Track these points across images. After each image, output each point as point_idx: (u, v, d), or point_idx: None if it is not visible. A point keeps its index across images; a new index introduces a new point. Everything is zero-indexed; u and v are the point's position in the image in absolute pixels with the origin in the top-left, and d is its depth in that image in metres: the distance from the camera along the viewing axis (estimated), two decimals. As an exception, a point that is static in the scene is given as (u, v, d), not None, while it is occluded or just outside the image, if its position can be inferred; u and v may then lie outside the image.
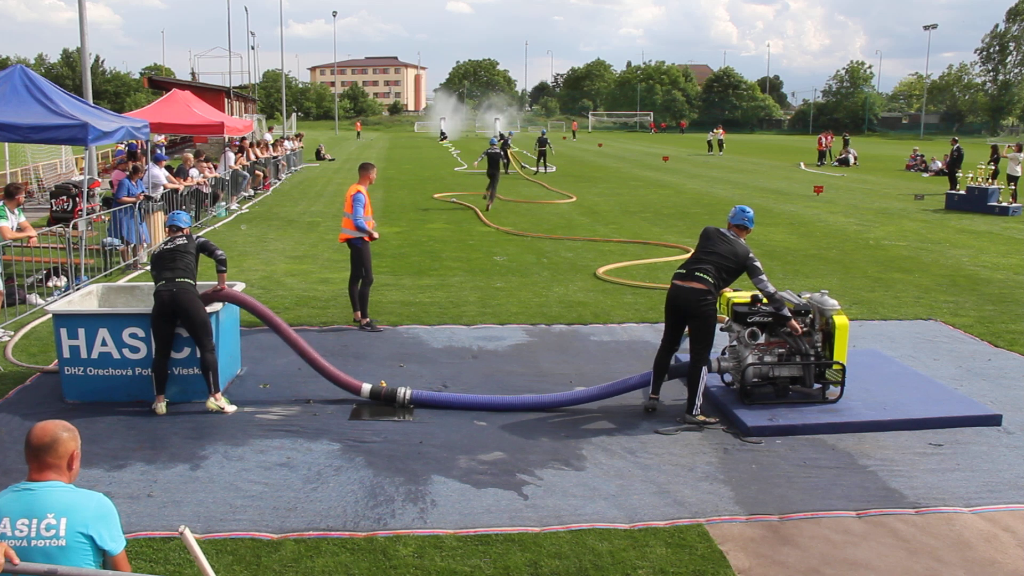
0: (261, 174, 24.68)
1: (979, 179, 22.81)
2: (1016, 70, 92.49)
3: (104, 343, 6.87)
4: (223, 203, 19.66)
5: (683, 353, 7.26)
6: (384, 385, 7.06)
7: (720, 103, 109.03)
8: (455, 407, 6.86)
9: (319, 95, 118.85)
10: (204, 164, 18.90)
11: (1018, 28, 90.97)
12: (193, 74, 70.42)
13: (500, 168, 22.95)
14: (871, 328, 9.59)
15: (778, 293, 6.82)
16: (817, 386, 6.95)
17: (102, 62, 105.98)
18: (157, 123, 18.75)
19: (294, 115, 70.55)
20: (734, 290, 7.29)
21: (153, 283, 6.87)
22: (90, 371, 6.90)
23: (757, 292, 6.82)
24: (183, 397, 6.93)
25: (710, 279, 6.56)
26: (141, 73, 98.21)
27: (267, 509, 5.13)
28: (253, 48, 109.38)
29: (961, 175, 24.85)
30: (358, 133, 75.56)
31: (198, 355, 6.71)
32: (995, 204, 21.00)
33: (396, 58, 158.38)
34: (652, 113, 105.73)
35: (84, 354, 6.86)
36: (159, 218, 13.58)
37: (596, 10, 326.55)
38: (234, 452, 5.98)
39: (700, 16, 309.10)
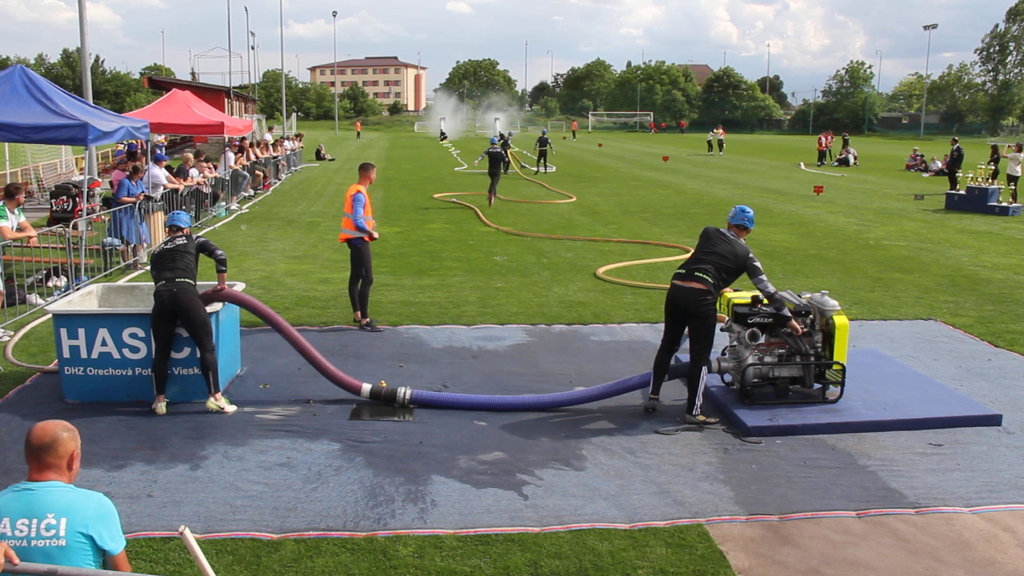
0: (261, 174, 24.68)
1: (979, 179, 22.81)
2: (1016, 70, 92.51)
3: (104, 343, 6.87)
4: (223, 203, 19.66)
5: (683, 353, 7.26)
6: (384, 385, 7.06)
7: (720, 103, 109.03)
8: (455, 407, 6.86)
9: (319, 95, 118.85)
10: (204, 164, 18.90)
11: (1018, 28, 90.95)
12: (193, 74, 70.50)
13: (501, 167, 22.98)
14: (871, 328, 9.59)
15: (778, 293, 6.82)
16: (817, 386, 6.94)
17: (102, 62, 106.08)
18: (157, 123, 18.76)
19: (294, 115, 70.56)
20: (734, 290, 7.29)
21: (153, 283, 6.87)
22: (90, 371, 6.90)
23: (757, 293, 6.82)
24: (183, 397, 6.93)
25: (710, 279, 6.56)
26: (141, 73, 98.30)
27: (267, 509, 5.13)
28: (253, 48, 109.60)
29: (961, 175, 24.86)
30: (358, 133, 75.56)
31: (198, 355, 6.71)
32: (995, 204, 21.00)
33: (396, 58, 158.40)
34: (652, 113, 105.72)
35: (84, 354, 6.86)
36: (159, 218, 13.58)
37: (596, 10, 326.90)
38: (234, 452, 5.98)
39: (700, 16, 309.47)
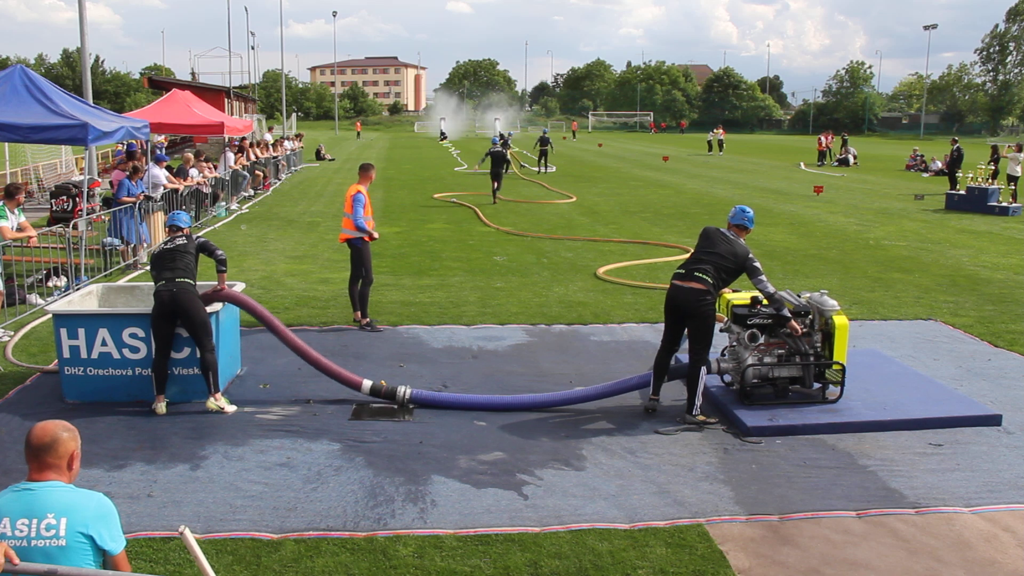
0: (261, 174, 24.69)
1: (979, 179, 22.81)
2: (1016, 70, 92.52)
3: (104, 343, 6.87)
4: (223, 203, 19.66)
5: (683, 354, 7.26)
6: (384, 385, 7.05)
7: (720, 103, 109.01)
8: (455, 407, 6.86)
9: (319, 95, 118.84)
10: (204, 164, 18.90)
11: (1018, 28, 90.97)
12: (193, 74, 70.48)
13: (503, 167, 23.00)
14: (871, 328, 9.59)
15: (778, 293, 6.81)
16: (817, 386, 6.94)
17: (102, 62, 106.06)
18: (157, 123, 18.76)
19: (294, 115, 70.55)
20: (734, 291, 7.29)
21: (153, 283, 6.87)
22: (90, 371, 6.90)
23: (757, 293, 6.82)
24: (183, 397, 6.93)
25: (709, 279, 6.56)
26: (141, 73, 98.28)
27: (267, 509, 5.13)
28: (253, 48, 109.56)
29: (961, 175, 24.85)
30: (358, 133, 75.56)
31: (198, 355, 6.71)
32: (995, 204, 21.00)
33: (396, 58, 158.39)
34: (652, 113, 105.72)
35: (84, 354, 6.86)
36: (159, 218, 13.59)
37: (596, 10, 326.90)
38: (234, 452, 5.98)
39: (700, 16, 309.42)
